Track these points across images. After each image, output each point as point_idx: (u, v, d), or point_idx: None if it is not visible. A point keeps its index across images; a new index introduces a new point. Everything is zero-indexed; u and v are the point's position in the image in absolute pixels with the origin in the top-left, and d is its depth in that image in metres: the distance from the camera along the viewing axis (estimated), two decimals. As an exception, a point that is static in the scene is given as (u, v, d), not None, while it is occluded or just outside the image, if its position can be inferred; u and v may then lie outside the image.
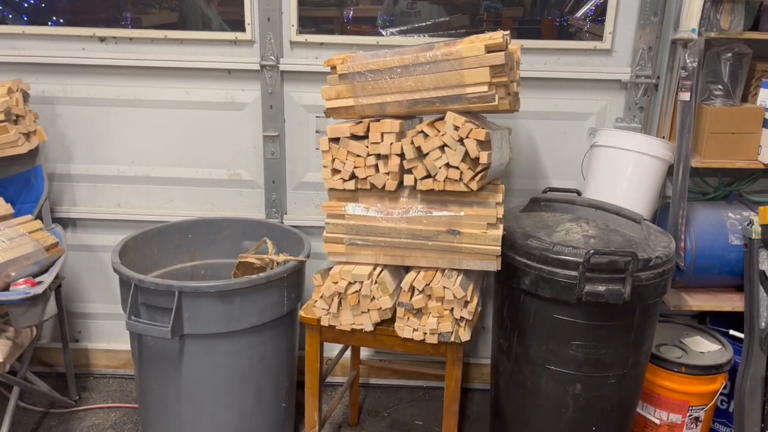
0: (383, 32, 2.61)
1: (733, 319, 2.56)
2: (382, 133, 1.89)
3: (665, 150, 2.39)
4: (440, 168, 1.85)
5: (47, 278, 2.26)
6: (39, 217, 2.55)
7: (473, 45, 1.79)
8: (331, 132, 1.93)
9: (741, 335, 2.47)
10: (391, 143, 1.89)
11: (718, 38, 2.39)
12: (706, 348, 2.49)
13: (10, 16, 2.63)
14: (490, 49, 1.80)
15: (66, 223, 2.85)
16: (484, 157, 1.81)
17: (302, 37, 2.59)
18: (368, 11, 2.63)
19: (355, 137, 1.91)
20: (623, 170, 2.40)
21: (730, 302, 2.54)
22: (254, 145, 2.74)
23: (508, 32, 1.88)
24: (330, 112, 2.00)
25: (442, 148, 1.85)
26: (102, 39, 2.64)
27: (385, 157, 1.91)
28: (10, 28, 2.62)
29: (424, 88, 1.87)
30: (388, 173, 1.92)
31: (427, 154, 1.86)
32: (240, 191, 2.82)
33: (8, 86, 2.38)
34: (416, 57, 1.85)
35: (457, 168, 1.84)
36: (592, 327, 2.07)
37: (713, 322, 2.74)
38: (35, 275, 2.29)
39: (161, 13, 2.65)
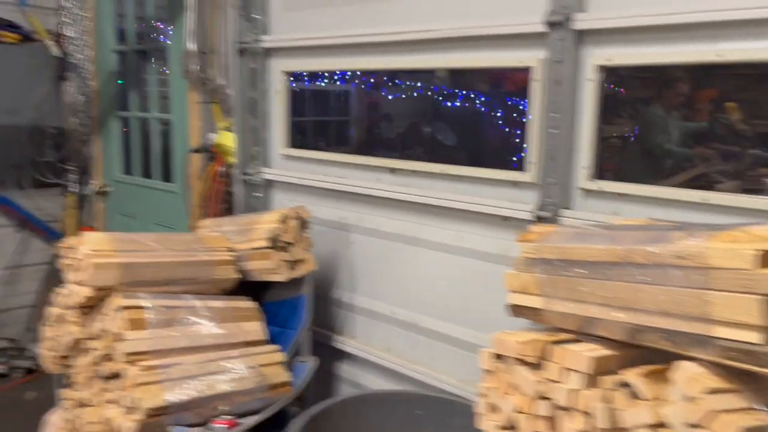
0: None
1: None
2: (563, 368, 1.11)
3: None
4: (645, 466, 0.97)
5: (249, 421, 2.09)
6: (296, 346, 2.44)
7: (733, 248, 0.89)
8: (498, 344, 1.23)
9: None
10: (574, 390, 1.08)
11: None
12: None
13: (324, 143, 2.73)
14: (772, 258, 0.87)
15: (341, 355, 2.70)
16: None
17: (595, 184, 1.88)
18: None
19: (523, 362, 1.17)
20: None
21: None
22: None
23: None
24: (515, 311, 1.30)
25: (655, 428, 0.96)
26: (392, 170, 2.45)
27: (565, 409, 1.11)
28: (326, 154, 2.68)
29: (640, 306, 1.03)
30: (567, 438, 1.11)
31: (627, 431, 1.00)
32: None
33: (285, 213, 2.38)
34: (628, 252, 1.03)
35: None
36: None
37: None
38: (254, 412, 2.15)
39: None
